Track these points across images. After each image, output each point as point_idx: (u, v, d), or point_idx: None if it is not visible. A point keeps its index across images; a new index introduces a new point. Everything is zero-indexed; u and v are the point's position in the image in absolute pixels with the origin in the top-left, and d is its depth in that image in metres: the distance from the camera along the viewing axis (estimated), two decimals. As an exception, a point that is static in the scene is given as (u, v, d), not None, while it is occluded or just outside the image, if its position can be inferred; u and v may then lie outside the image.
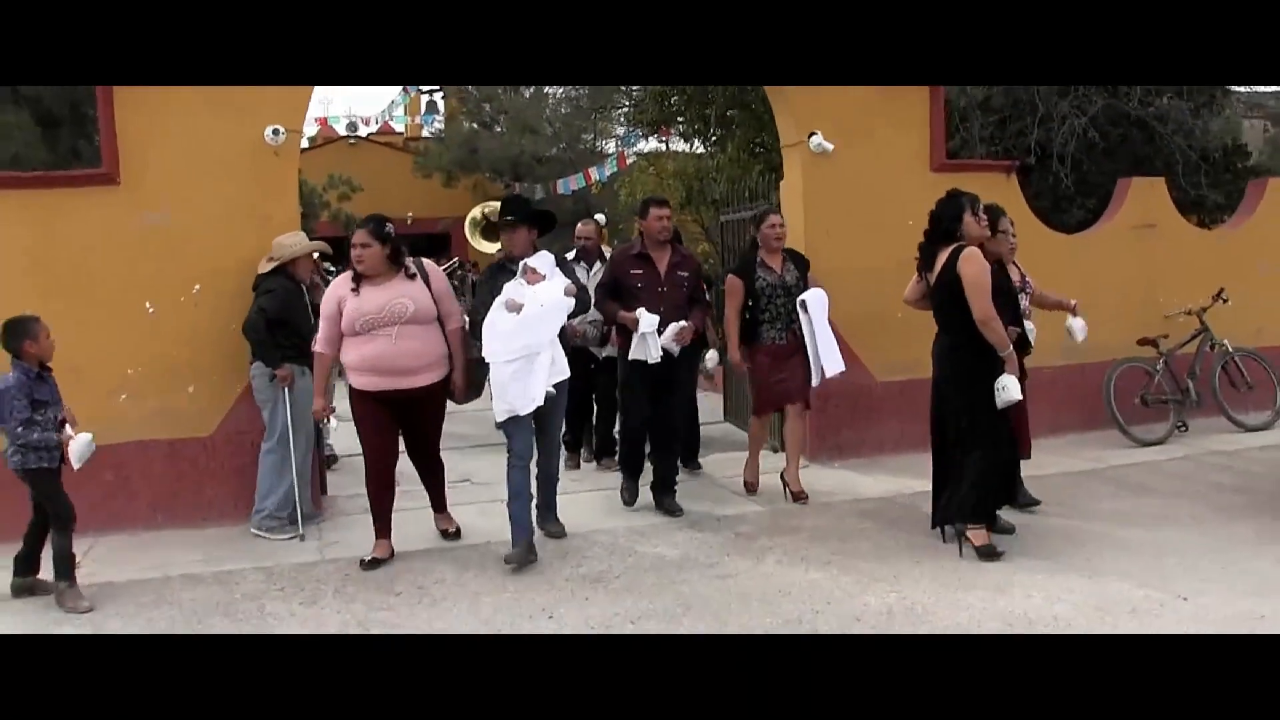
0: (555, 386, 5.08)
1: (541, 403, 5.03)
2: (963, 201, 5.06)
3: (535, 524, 5.24)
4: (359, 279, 5.06)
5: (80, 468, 4.71)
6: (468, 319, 5.57)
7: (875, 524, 5.58)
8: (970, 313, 4.83)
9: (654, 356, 5.68)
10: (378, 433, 5.18)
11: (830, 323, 6.05)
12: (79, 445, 4.67)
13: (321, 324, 5.14)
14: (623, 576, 4.86)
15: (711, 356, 6.50)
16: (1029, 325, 5.64)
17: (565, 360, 5.19)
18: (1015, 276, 5.72)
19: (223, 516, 5.95)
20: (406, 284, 5.10)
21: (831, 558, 5.03)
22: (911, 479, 6.20)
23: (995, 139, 9.36)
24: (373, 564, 5.10)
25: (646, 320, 5.67)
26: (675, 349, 5.74)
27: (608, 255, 7.02)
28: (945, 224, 5.06)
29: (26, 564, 4.85)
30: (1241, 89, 12.77)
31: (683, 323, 5.73)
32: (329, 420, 5.20)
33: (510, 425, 5.13)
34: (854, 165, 7.09)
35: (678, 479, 6.09)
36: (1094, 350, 7.21)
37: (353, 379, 5.10)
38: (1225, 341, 7.93)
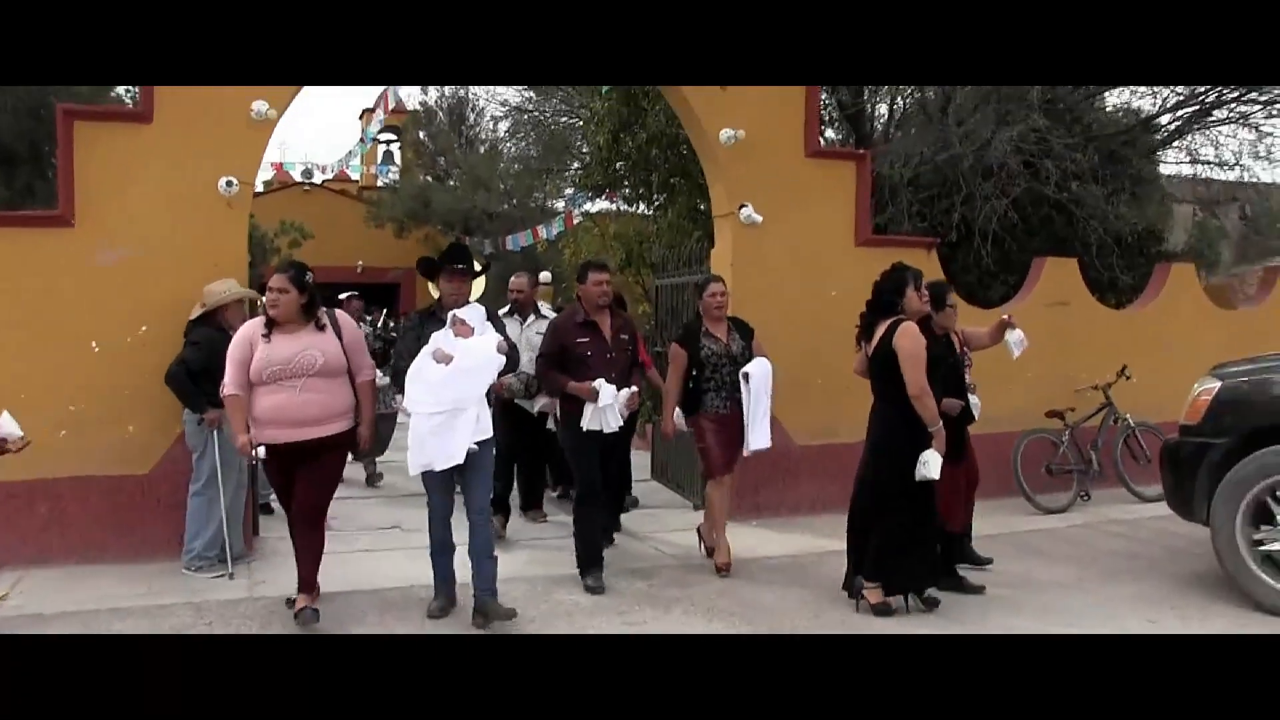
0: (478, 445, 4.97)
1: (461, 460, 4.91)
2: (906, 276, 5.24)
3: (475, 610, 5.02)
4: (271, 325, 4.94)
5: (12, 437, 4.71)
6: (390, 367, 5.56)
7: (783, 579, 5.86)
8: (904, 385, 4.98)
9: (611, 426, 5.67)
10: (281, 478, 5.12)
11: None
12: (4, 419, 4.78)
13: (229, 368, 4.94)
14: (536, 621, 5.10)
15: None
16: (973, 399, 5.90)
17: (490, 419, 5.07)
18: (957, 345, 5.91)
19: (158, 553, 6.08)
20: (317, 335, 4.97)
21: (737, 609, 5.30)
22: (823, 539, 6.49)
23: (923, 215, 9.84)
24: (293, 603, 5.05)
25: (607, 392, 5.63)
26: (625, 414, 5.79)
27: (541, 309, 7.23)
28: (886, 297, 5.23)
29: None
30: (1168, 173, 13.44)
31: (633, 388, 5.80)
32: (258, 454, 4.96)
33: (428, 479, 5.08)
34: (782, 237, 7.47)
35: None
36: (1008, 420, 7.62)
37: (256, 432, 4.91)
38: (1128, 416, 8.37)
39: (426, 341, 5.07)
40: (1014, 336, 6.05)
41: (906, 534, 5.13)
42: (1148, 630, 4.95)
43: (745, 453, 5.99)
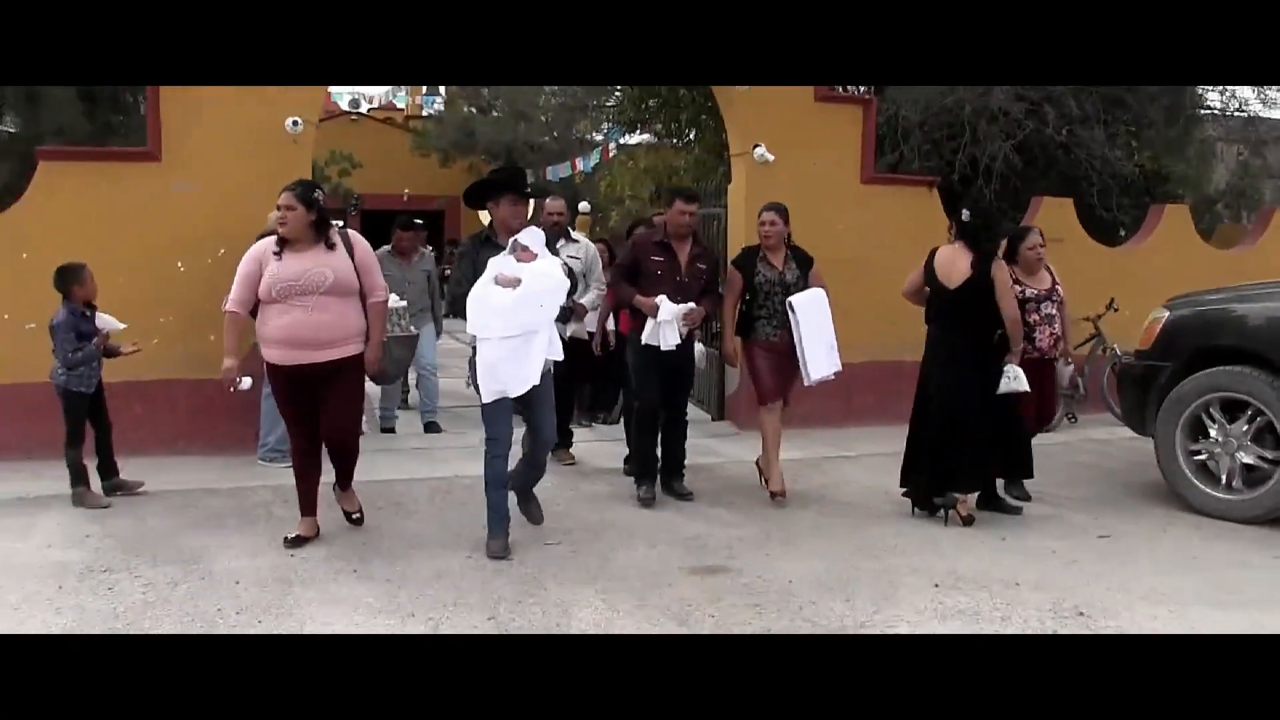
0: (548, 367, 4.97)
1: (538, 382, 4.85)
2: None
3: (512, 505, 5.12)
4: (282, 244, 4.93)
5: (115, 337, 5.85)
6: (449, 294, 5.55)
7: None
8: (986, 312, 5.48)
9: (669, 343, 5.78)
10: (292, 407, 5.11)
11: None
12: (104, 318, 5.84)
13: (236, 283, 4.96)
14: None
15: (700, 353, 6.42)
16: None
17: (560, 341, 5.04)
18: (1047, 283, 6.26)
19: (235, 447, 7.00)
20: (327, 254, 4.93)
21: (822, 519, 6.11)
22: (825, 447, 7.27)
23: (930, 156, 10.45)
24: (296, 541, 5.10)
25: (667, 309, 5.75)
26: (684, 331, 5.89)
27: (573, 235, 7.21)
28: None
29: (107, 468, 5.98)
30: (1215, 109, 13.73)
31: (691, 304, 5.88)
32: (240, 382, 4.97)
33: (493, 410, 4.98)
34: (792, 175, 8.13)
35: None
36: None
37: (265, 352, 4.95)
38: (1115, 346, 9.02)
39: (484, 268, 4.94)
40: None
41: (995, 445, 5.73)
42: (1096, 533, 5.68)
43: (806, 382, 6.01)
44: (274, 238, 4.96)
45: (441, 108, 23.52)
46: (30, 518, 5.54)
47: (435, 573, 4.74)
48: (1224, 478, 5.89)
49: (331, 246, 4.95)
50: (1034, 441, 6.30)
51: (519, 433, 5.22)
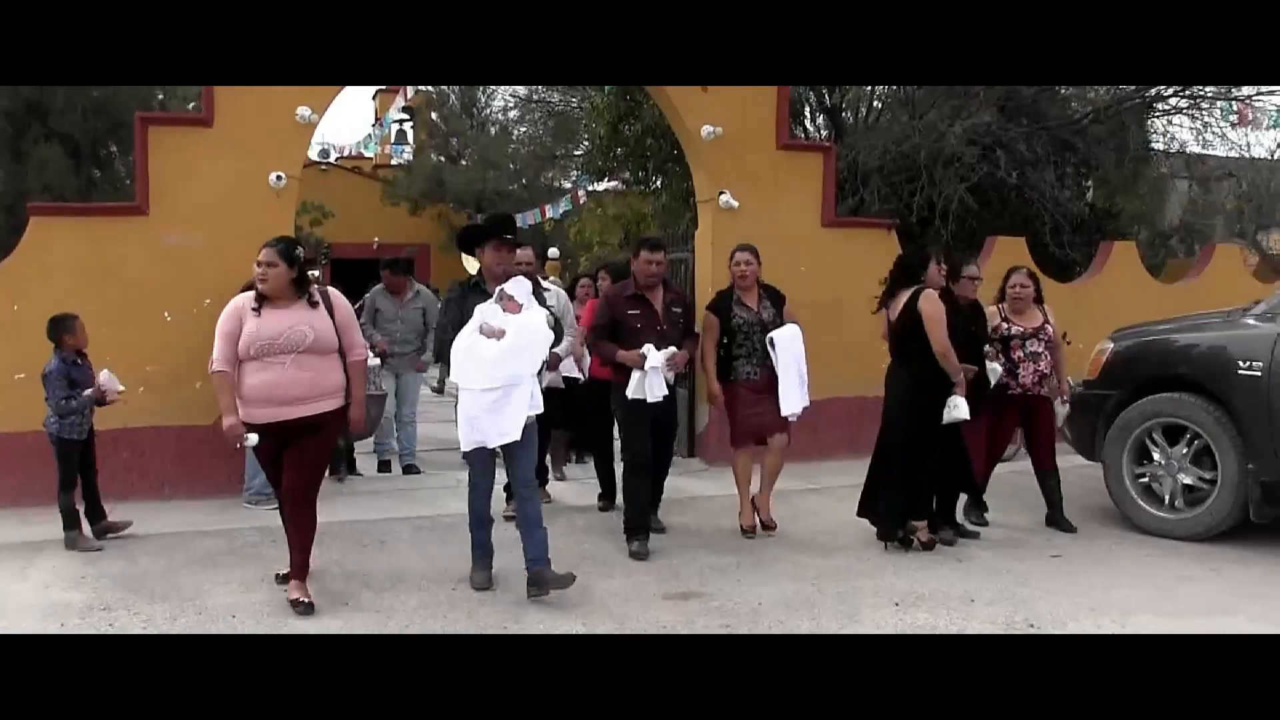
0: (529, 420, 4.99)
1: (517, 437, 4.88)
2: (929, 251, 5.97)
3: (530, 581, 4.99)
4: (261, 300, 4.84)
5: (112, 394, 6.04)
6: (435, 340, 5.57)
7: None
8: (925, 344, 5.60)
9: (656, 395, 5.80)
10: (273, 467, 5.04)
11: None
12: (105, 376, 6.03)
13: (218, 342, 4.84)
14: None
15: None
16: (994, 365, 6.31)
17: (540, 395, 5.08)
18: (1037, 321, 6.51)
19: (220, 491, 7.18)
20: (308, 312, 4.86)
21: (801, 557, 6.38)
22: (792, 481, 7.51)
23: (889, 199, 10.87)
24: (286, 578, 5.10)
25: (654, 356, 5.78)
26: (671, 377, 5.97)
27: (543, 284, 7.81)
28: (910, 268, 5.84)
29: (94, 512, 6.18)
30: (1160, 148, 14.27)
31: (672, 348, 5.92)
32: (248, 440, 4.83)
33: (473, 456, 5.07)
34: (757, 219, 8.44)
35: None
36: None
37: (243, 410, 4.81)
38: (1070, 378, 9.38)
39: (469, 315, 5.00)
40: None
41: (940, 474, 5.88)
42: (1049, 553, 6.00)
43: (782, 414, 6.12)
44: (252, 294, 4.88)
45: (410, 157, 23.86)
46: (26, 561, 5.72)
47: (421, 603, 4.98)
48: (1167, 498, 6.24)
49: (314, 304, 4.90)
50: (995, 470, 6.60)
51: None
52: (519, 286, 5.06)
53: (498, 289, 5.03)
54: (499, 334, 4.86)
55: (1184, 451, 6.18)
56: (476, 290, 5.22)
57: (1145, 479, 6.38)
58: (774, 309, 6.25)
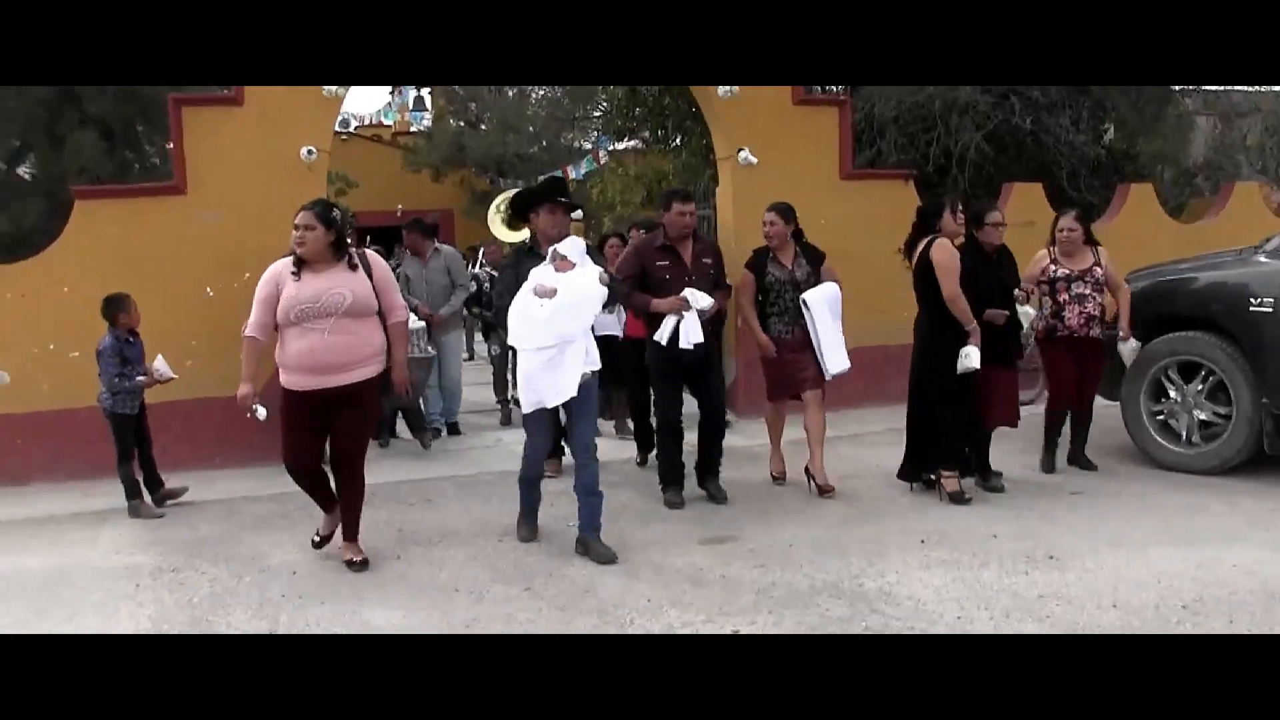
0: (585, 378, 5.03)
1: (574, 394, 4.96)
2: (944, 201, 5.96)
3: (579, 541, 5.18)
4: (300, 264, 4.87)
5: (164, 377, 6.34)
6: (494, 305, 5.62)
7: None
8: (938, 292, 5.66)
9: (691, 340, 5.81)
10: (295, 431, 5.01)
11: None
12: (159, 362, 6.33)
13: (254, 307, 4.91)
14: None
15: None
16: (1025, 309, 6.37)
17: (597, 351, 5.11)
18: (1086, 263, 6.47)
19: (266, 459, 7.39)
20: (347, 274, 4.89)
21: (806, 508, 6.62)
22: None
23: (906, 149, 10.97)
24: (322, 542, 5.32)
25: (695, 297, 5.80)
26: (706, 315, 5.92)
27: None
28: (928, 220, 5.89)
29: (152, 482, 6.50)
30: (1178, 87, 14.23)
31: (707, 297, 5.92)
32: (256, 409, 4.97)
33: (532, 419, 5.15)
34: (776, 175, 8.58)
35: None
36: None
37: (285, 378, 4.90)
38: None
39: (525, 278, 5.09)
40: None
41: (959, 422, 5.90)
42: (1070, 490, 6.21)
43: (826, 377, 6.18)
44: (290, 259, 4.91)
45: (429, 123, 23.95)
46: (93, 530, 6.04)
47: (470, 555, 5.26)
48: (1183, 434, 6.43)
49: (353, 267, 4.92)
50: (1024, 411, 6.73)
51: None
52: (572, 246, 5.11)
53: (550, 249, 5.10)
54: (550, 293, 4.91)
55: (1199, 388, 6.35)
56: (531, 254, 5.33)
57: (1162, 416, 6.56)
58: (809, 267, 6.22)
